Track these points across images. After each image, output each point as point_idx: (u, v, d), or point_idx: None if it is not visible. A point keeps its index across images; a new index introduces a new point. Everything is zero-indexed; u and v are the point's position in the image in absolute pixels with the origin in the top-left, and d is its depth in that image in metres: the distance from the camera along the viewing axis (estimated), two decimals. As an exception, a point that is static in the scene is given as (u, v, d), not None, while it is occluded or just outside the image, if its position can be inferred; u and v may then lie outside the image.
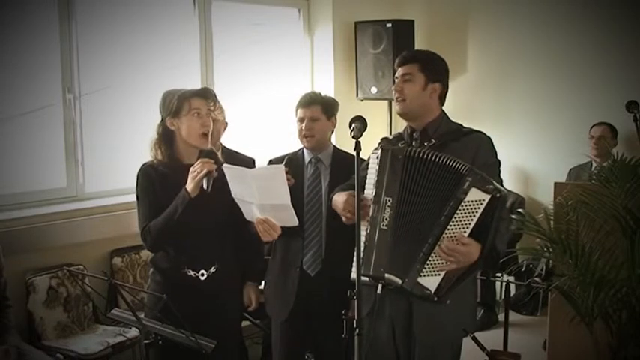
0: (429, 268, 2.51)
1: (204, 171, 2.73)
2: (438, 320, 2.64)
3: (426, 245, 2.50)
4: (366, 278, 2.57)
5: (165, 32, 4.80)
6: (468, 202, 2.44)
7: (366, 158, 2.71)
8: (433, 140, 2.68)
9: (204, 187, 2.73)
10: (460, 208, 2.45)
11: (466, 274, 2.53)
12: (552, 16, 5.52)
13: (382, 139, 2.78)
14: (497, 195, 2.42)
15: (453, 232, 2.46)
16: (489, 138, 2.77)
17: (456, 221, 2.46)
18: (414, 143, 2.74)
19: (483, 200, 2.42)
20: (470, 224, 2.45)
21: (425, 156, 2.52)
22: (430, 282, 2.50)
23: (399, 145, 2.73)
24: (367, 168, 2.65)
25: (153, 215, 2.85)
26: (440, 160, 2.49)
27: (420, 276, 2.51)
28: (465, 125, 2.83)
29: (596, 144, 5.07)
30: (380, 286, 2.61)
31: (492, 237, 2.48)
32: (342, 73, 5.66)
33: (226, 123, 3.70)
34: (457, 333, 2.81)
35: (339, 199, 2.75)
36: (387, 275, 2.56)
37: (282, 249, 3.27)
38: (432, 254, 2.50)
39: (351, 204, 2.65)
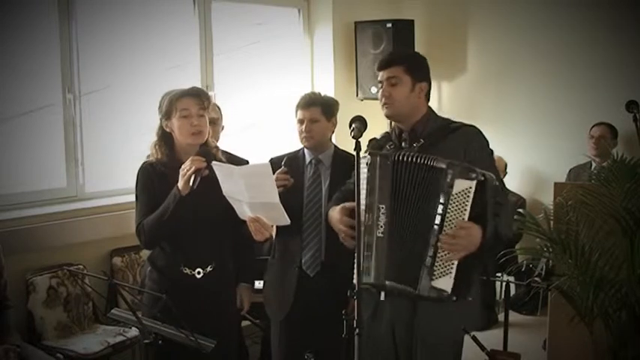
0: (438, 268, 2.49)
1: (193, 168, 2.75)
2: (443, 319, 2.64)
3: (430, 247, 2.49)
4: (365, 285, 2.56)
5: (166, 32, 4.79)
6: (457, 193, 2.45)
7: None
8: (422, 140, 2.67)
9: (191, 184, 2.74)
10: (451, 201, 2.46)
11: (476, 261, 2.51)
12: (552, 17, 5.52)
13: (370, 141, 2.73)
14: (482, 179, 2.44)
15: (451, 226, 2.46)
16: (479, 130, 2.75)
17: (451, 214, 2.47)
18: (402, 144, 2.72)
19: (470, 187, 2.44)
20: (465, 213, 2.45)
21: (412, 159, 2.53)
22: (444, 283, 2.49)
23: (387, 146, 2.72)
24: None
25: (149, 213, 2.87)
26: (424, 161, 2.51)
27: (433, 279, 2.49)
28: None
29: (596, 144, 5.07)
30: (383, 293, 2.60)
31: (493, 221, 2.48)
32: (342, 73, 5.66)
33: (223, 126, 3.71)
34: (460, 331, 2.82)
35: (334, 215, 2.72)
36: (388, 283, 2.55)
37: (281, 249, 3.27)
38: (438, 253, 2.49)
39: (345, 222, 2.64)
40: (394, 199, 2.54)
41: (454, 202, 2.46)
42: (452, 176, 2.46)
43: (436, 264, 2.49)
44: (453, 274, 2.48)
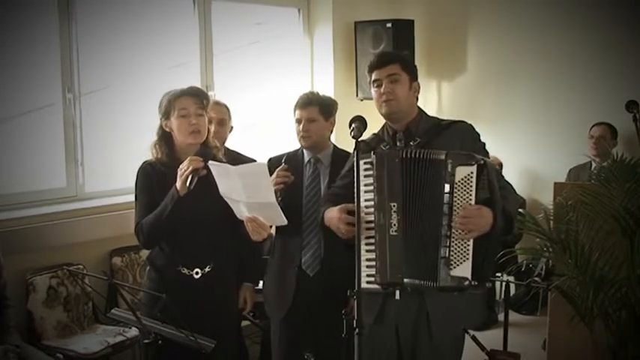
0: (455, 256, 2.50)
1: (190, 168, 2.75)
2: (449, 316, 2.66)
3: (443, 238, 2.51)
4: (375, 286, 2.56)
5: (166, 32, 4.79)
6: (460, 180, 2.50)
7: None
8: (418, 139, 2.69)
9: (187, 184, 2.75)
10: (456, 188, 2.50)
11: (490, 243, 2.52)
12: (552, 16, 5.52)
13: (358, 142, 2.65)
14: (482, 162, 2.49)
15: (460, 212, 2.49)
16: (471, 125, 2.79)
17: (458, 201, 2.50)
18: (398, 144, 2.73)
19: (472, 172, 2.49)
20: (471, 197, 2.49)
21: (418, 155, 2.57)
22: (463, 270, 2.50)
23: (381, 146, 2.73)
24: (351, 173, 2.62)
25: (148, 212, 2.87)
26: (426, 156, 2.56)
27: (451, 269, 2.51)
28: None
29: (596, 144, 5.07)
30: (397, 292, 2.60)
31: (501, 200, 2.51)
32: (342, 73, 5.66)
33: (232, 126, 3.72)
34: (464, 326, 2.84)
35: (333, 215, 2.71)
36: (406, 281, 2.56)
37: (280, 248, 3.27)
38: (452, 242, 2.50)
39: (344, 219, 2.64)
40: (405, 197, 2.56)
41: (459, 189, 2.50)
42: (452, 165, 2.50)
43: (452, 253, 2.51)
44: (470, 260, 2.49)
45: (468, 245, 2.49)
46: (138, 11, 4.65)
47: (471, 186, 2.49)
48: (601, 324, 2.93)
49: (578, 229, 2.96)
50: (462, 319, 2.75)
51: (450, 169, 2.50)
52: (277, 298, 3.27)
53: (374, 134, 2.85)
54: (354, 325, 2.29)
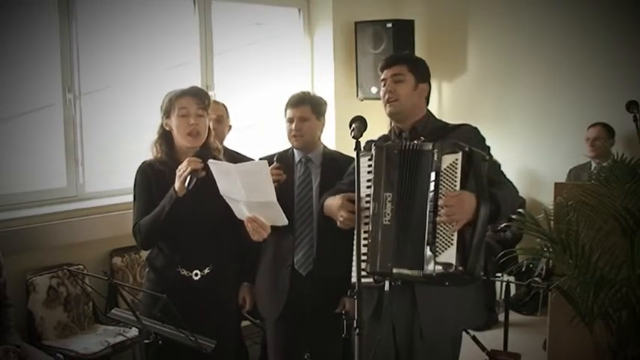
0: (440, 243, 2.51)
1: (188, 170, 2.75)
2: (444, 315, 2.66)
3: (429, 224, 2.52)
4: (369, 280, 2.56)
5: (166, 32, 4.80)
6: (446, 168, 2.53)
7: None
8: (422, 138, 2.71)
9: (186, 185, 2.75)
10: (441, 176, 2.53)
11: (476, 230, 2.51)
12: (552, 17, 5.52)
13: (367, 142, 2.73)
14: (466, 149, 2.52)
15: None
16: (476, 128, 2.82)
17: (444, 189, 2.52)
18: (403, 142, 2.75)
19: (457, 159, 2.52)
20: (456, 184, 2.51)
21: (413, 147, 2.61)
22: (448, 256, 2.50)
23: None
24: (353, 172, 2.63)
25: (146, 213, 2.87)
26: (418, 147, 2.61)
27: (437, 255, 2.51)
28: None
29: (592, 145, 5.07)
30: (387, 283, 2.60)
31: (487, 188, 2.53)
32: (342, 73, 5.66)
33: (230, 125, 3.72)
34: (460, 327, 2.84)
35: (333, 202, 2.74)
36: (395, 270, 2.57)
37: (272, 247, 3.23)
38: (437, 229, 2.51)
39: (346, 206, 2.66)
40: (399, 187, 2.59)
41: (444, 177, 2.53)
42: (437, 153, 2.54)
43: (437, 240, 2.51)
44: (454, 245, 2.49)
45: (452, 231, 2.50)
46: (138, 11, 4.65)
47: (456, 173, 2.51)
48: (601, 324, 2.93)
49: (578, 229, 2.96)
50: (455, 320, 2.74)
51: (436, 158, 2.54)
52: (271, 298, 3.24)
53: (383, 135, 2.89)
54: (355, 325, 2.29)
